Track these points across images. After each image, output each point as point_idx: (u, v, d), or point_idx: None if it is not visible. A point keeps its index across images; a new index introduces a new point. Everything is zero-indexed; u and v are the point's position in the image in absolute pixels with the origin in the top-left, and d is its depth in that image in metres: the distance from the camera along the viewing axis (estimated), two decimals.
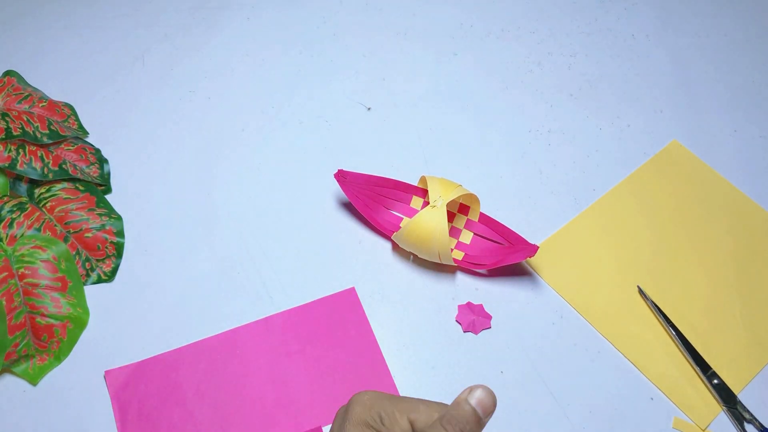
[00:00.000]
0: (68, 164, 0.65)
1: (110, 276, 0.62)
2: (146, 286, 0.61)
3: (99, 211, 0.64)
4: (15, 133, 0.62)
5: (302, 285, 0.61)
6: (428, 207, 0.59)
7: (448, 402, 0.37)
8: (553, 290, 0.62)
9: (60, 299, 0.58)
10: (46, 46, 0.77)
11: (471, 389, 0.36)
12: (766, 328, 0.60)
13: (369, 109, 0.73)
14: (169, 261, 0.63)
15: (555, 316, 0.60)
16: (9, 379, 0.56)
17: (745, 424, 0.54)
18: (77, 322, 0.58)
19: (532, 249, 0.59)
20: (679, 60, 0.78)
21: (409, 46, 0.78)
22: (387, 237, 0.64)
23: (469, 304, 0.60)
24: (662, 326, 0.60)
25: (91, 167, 0.67)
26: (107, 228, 0.63)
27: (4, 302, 0.55)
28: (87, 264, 0.61)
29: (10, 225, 0.60)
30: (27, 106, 0.67)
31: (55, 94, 0.72)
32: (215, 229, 0.65)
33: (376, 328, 0.59)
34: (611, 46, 0.79)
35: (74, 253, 0.61)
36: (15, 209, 0.61)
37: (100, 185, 0.66)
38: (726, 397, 0.56)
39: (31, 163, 0.62)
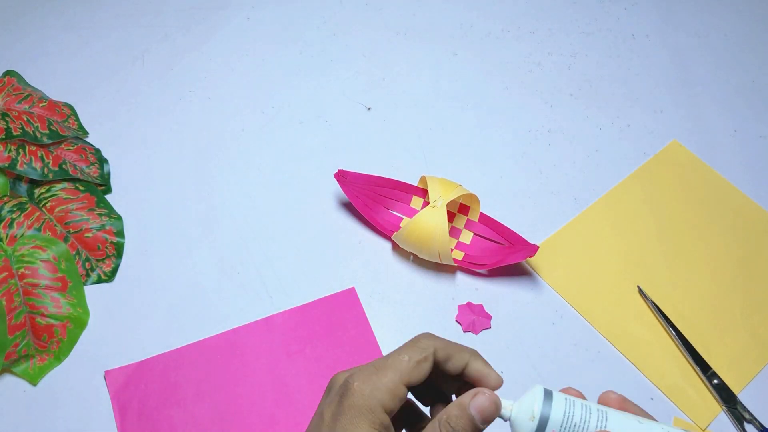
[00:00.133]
0: (68, 164, 0.65)
1: (110, 276, 0.62)
2: (146, 286, 0.61)
3: (99, 211, 0.64)
4: (15, 133, 0.62)
5: (302, 285, 0.61)
6: (428, 207, 0.59)
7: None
8: (553, 290, 0.62)
9: (60, 299, 0.58)
10: (46, 46, 0.77)
11: (475, 393, 0.35)
12: (766, 328, 0.60)
13: (369, 109, 0.73)
14: (169, 261, 0.63)
15: (555, 316, 0.60)
16: (9, 379, 0.56)
17: (745, 424, 0.54)
18: (77, 322, 0.58)
19: (532, 249, 0.59)
20: (679, 60, 0.78)
21: (409, 46, 0.78)
22: (387, 237, 0.64)
23: (469, 304, 0.60)
24: (662, 326, 0.60)
25: (91, 167, 0.67)
26: (107, 228, 0.63)
27: (4, 302, 0.55)
28: (87, 264, 0.61)
29: (10, 225, 0.60)
30: (27, 106, 0.67)
31: (55, 94, 0.72)
32: (215, 229, 0.65)
33: (376, 328, 0.59)
34: (611, 46, 0.79)
35: (74, 253, 0.61)
36: (15, 209, 0.61)
37: (100, 185, 0.66)
38: (726, 397, 0.56)
39: (31, 163, 0.62)
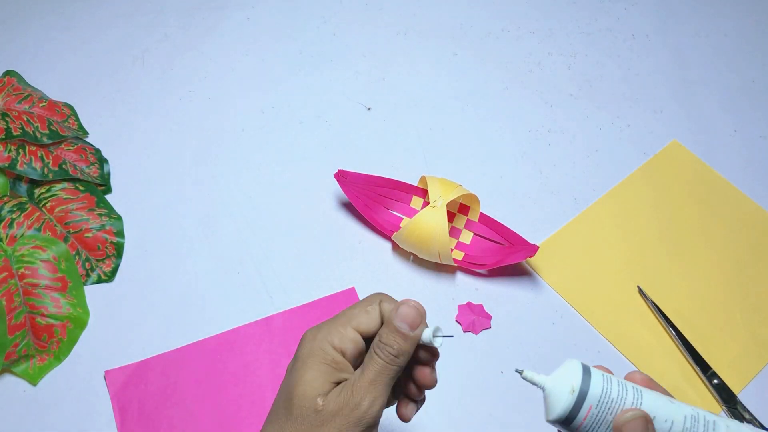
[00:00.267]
0: (68, 164, 0.65)
1: (110, 276, 0.62)
2: (146, 286, 0.61)
3: (99, 211, 0.64)
4: (15, 133, 0.62)
5: (302, 285, 0.61)
6: (428, 207, 0.59)
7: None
8: (553, 290, 0.62)
9: (60, 299, 0.58)
10: (46, 46, 0.77)
11: (397, 307, 0.37)
12: (766, 328, 0.60)
13: (369, 109, 0.73)
14: (169, 261, 0.63)
15: (555, 316, 0.60)
16: (9, 379, 0.56)
17: (745, 423, 0.54)
18: (77, 322, 0.58)
19: (532, 249, 0.59)
20: (679, 60, 0.78)
21: (409, 46, 0.78)
22: (387, 237, 0.64)
23: (469, 304, 0.60)
24: (662, 326, 0.60)
25: (91, 167, 0.67)
26: (107, 228, 0.63)
27: (4, 302, 0.55)
28: (87, 264, 0.61)
29: (10, 225, 0.60)
30: (27, 106, 0.67)
31: (55, 94, 0.72)
32: (215, 229, 0.65)
33: None
34: (611, 46, 0.79)
35: (74, 253, 0.61)
36: (15, 209, 0.61)
37: (100, 185, 0.66)
38: (726, 397, 0.56)
39: (31, 163, 0.62)
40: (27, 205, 0.62)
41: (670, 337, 0.59)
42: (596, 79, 0.76)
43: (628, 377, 0.37)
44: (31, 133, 0.63)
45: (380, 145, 0.70)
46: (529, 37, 0.79)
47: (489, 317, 0.59)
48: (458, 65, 0.77)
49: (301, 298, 0.61)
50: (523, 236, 0.62)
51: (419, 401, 0.42)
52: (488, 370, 0.57)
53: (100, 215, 0.63)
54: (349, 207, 0.66)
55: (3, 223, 0.60)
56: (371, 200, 0.64)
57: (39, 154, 0.63)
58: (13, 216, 0.61)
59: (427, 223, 0.58)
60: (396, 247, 0.64)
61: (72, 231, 0.62)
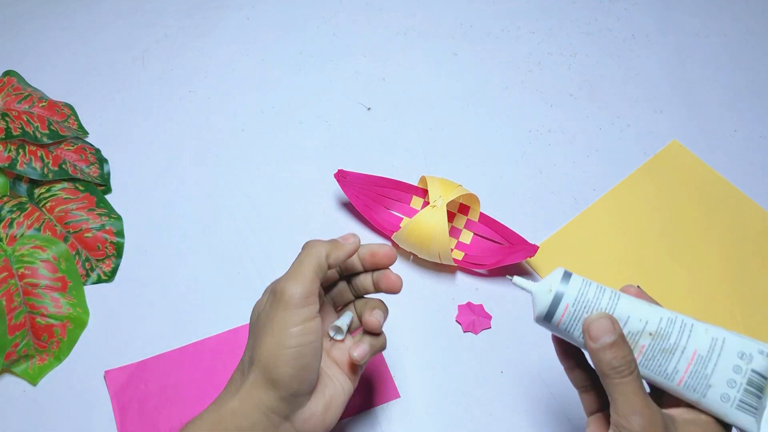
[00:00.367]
0: (68, 164, 0.65)
1: (110, 276, 0.62)
2: (146, 286, 0.61)
3: (99, 211, 0.64)
4: (15, 133, 0.62)
5: None
6: (428, 207, 0.59)
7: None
8: None
9: (60, 299, 0.58)
10: (46, 46, 0.77)
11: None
12: (766, 329, 0.60)
13: (369, 109, 0.73)
14: (169, 261, 0.63)
15: None
16: (9, 379, 0.56)
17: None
18: (77, 322, 0.58)
19: (532, 249, 0.59)
20: (679, 60, 0.78)
21: (409, 46, 0.78)
22: (387, 237, 0.64)
23: (469, 304, 0.60)
24: None
25: (91, 167, 0.67)
26: (107, 228, 0.63)
27: (4, 302, 0.55)
28: (87, 264, 0.61)
29: (10, 225, 0.60)
30: (27, 106, 0.67)
31: (55, 94, 0.72)
32: (215, 229, 0.65)
33: None
34: (611, 46, 0.79)
35: (74, 253, 0.61)
36: (15, 209, 0.61)
37: (100, 185, 0.66)
38: None
39: (31, 163, 0.62)
40: (27, 205, 0.62)
41: None
42: (596, 79, 0.76)
43: (623, 290, 0.41)
44: (31, 133, 0.63)
45: (380, 145, 0.70)
46: (529, 37, 0.79)
47: (489, 317, 0.59)
48: (458, 65, 0.77)
49: None
50: (523, 236, 0.62)
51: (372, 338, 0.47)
52: (488, 370, 0.57)
53: (100, 215, 0.63)
54: (349, 207, 0.66)
55: (3, 223, 0.60)
56: (371, 200, 0.64)
57: (39, 154, 0.63)
58: (13, 216, 0.61)
59: (427, 223, 0.58)
60: (396, 247, 0.64)
61: (72, 231, 0.62)
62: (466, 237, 0.64)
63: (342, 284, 0.49)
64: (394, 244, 0.63)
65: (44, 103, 0.68)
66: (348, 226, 0.65)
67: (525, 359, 0.58)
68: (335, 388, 0.44)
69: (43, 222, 0.61)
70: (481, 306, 0.60)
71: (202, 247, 0.64)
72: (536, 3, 0.83)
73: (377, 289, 0.48)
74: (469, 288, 0.61)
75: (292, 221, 0.65)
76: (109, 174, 0.68)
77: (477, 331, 0.59)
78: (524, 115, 0.73)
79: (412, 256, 0.63)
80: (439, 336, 0.59)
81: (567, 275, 0.40)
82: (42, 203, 0.63)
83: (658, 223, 0.65)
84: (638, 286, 0.41)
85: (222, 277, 0.62)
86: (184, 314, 0.60)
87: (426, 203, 0.65)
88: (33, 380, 0.56)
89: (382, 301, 0.48)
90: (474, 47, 0.78)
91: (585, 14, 0.82)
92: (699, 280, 0.62)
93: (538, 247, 0.59)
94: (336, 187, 0.67)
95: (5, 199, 0.62)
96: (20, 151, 0.63)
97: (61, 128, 0.67)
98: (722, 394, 0.38)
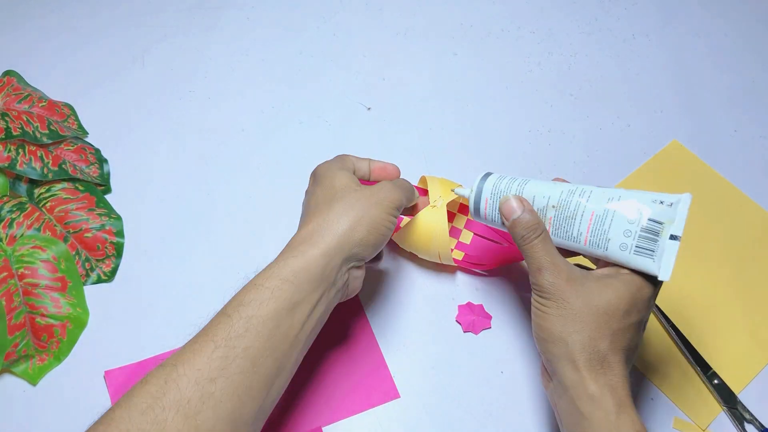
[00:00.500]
0: (68, 164, 0.65)
1: (110, 276, 0.62)
2: (146, 286, 0.61)
3: (99, 211, 0.64)
4: (15, 133, 0.62)
5: None
6: (428, 207, 0.59)
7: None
8: None
9: (60, 299, 0.58)
10: (46, 46, 0.77)
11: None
12: (766, 328, 0.60)
13: (369, 109, 0.73)
14: (169, 261, 0.63)
15: None
16: (9, 379, 0.56)
17: (746, 424, 0.54)
18: (77, 322, 0.58)
19: None
20: (679, 60, 0.78)
21: (409, 46, 0.78)
22: None
23: (469, 304, 0.60)
24: (662, 326, 0.60)
25: (90, 167, 0.67)
26: (107, 228, 0.63)
27: (4, 302, 0.55)
28: (87, 264, 0.61)
29: (10, 225, 0.60)
30: (27, 106, 0.67)
31: (55, 94, 0.72)
32: (215, 229, 0.65)
33: (376, 328, 0.59)
34: (611, 46, 0.79)
35: (74, 253, 0.61)
36: (15, 209, 0.61)
37: (100, 185, 0.66)
38: (726, 397, 0.55)
39: (30, 163, 0.62)
40: (27, 205, 0.62)
41: (670, 337, 0.59)
42: (596, 79, 0.76)
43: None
44: (31, 133, 0.63)
45: (380, 145, 0.70)
46: (529, 37, 0.79)
47: (489, 317, 0.59)
48: (458, 65, 0.77)
49: None
50: None
51: None
52: (488, 370, 0.57)
53: (100, 215, 0.63)
54: None
55: (3, 223, 0.60)
56: None
57: (39, 154, 0.63)
58: (13, 216, 0.61)
59: (427, 223, 0.58)
60: (396, 247, 0.63)
61: (72, 231, 0.62)
62: (466, 237, 0.64)
63: None
64: (394, 244, 0.63)
65: (44, 103, 0.68)
66: None
67: (525, 359, 0.58)
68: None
69: (43, 222, 0.61)
70: (481, 306, 0.60)
71: (202, 247, 0.64)
72: (536, 3, 0.83)
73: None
74: (469, 288, 0.61)
75: (293, 221, 0.65)
76: (108, 174, 0.68)
77: (477, 331, 0.59)
78: (524, 115, 0.73)
79: (412, 256, 0.63)
80: (439, 336, 0.59)
81: (486, 175, 0.49)
82: (42, 203, 0.63)
83: None
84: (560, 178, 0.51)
85: (222, 277, 0.62)
86: (184, 314, 0.60)
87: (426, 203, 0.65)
88: (33, 380, 0.56)
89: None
90: (474, 47, 0.78)
91: (585, 14, 0.82)
92: (699, 280, 0.62)
93: None
94: None
95: (5, 199, 0.62)
96: (20, 151, 0.62)
97: (61, 128, 0.67)
98: (621, 243, 0.43)
